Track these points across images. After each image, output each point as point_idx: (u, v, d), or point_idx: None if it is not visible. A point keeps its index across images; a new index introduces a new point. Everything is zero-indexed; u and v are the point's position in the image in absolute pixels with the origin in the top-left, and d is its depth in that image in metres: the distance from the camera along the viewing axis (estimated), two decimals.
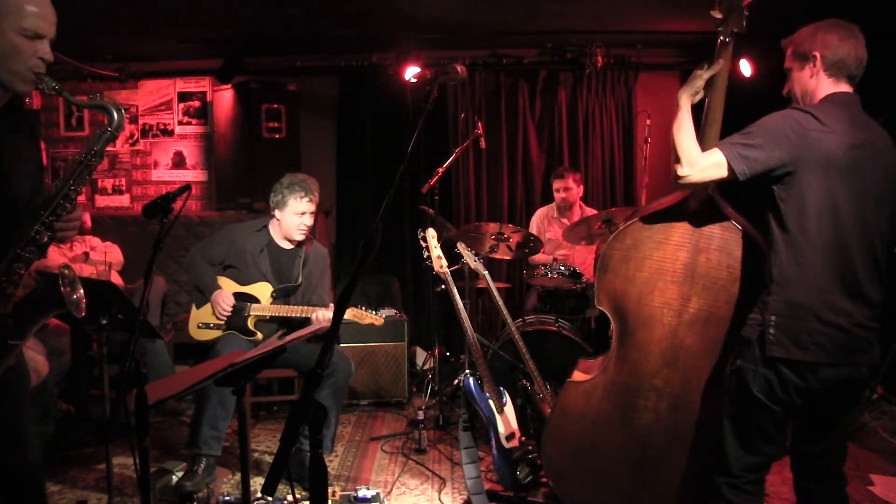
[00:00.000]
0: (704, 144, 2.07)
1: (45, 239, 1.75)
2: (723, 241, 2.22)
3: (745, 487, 2.02)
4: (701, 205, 2.24)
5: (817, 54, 2.00)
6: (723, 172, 1.96)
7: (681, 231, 2.26)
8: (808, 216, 1.91)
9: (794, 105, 2.03)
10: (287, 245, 3.50)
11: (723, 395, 2.14)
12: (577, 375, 2.56)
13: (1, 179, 1.77)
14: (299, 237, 3.44)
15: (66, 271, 1.78)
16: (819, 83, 2.02)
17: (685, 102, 2.12)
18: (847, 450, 2.09)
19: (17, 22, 1.68)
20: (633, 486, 2.39)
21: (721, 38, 2.15)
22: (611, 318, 2.40)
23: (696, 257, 2.24)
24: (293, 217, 3.38)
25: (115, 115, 1.81)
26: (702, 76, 2.13)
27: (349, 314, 3.30)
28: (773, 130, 1.93)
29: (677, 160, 2.02)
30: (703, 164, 1.98)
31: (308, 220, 3.41)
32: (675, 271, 2.26)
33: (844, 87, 2.01)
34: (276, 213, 3.42)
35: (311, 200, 3.38)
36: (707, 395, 2.27)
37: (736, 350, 2.11)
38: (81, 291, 1.85)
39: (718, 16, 2.15)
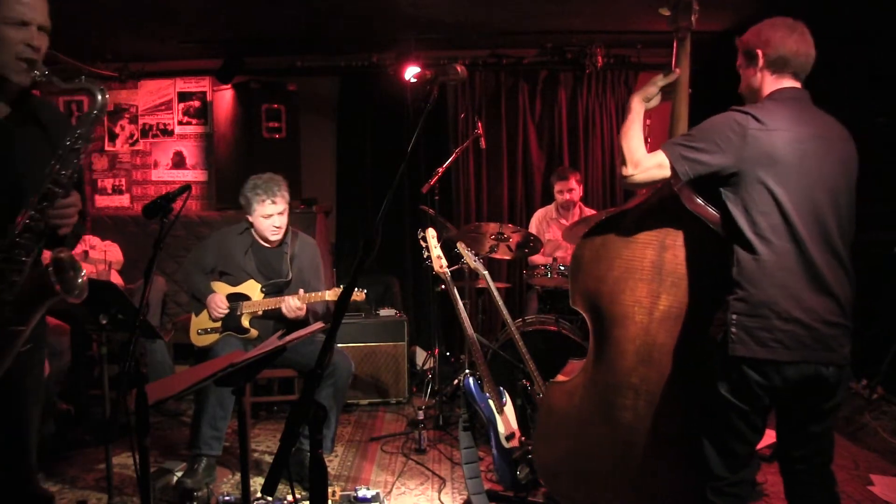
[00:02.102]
0: None
1: (42, 226, 1.74)
2: (688, 237, 2.21)
3: (728, 490, 2.01)
4: (666, 202, 2.23)
5: (759, 52, 2.03)
6: (666, 173, 1.99)
7: (647, 229, 2.27)
8: (757, 215, 1.91)
9: (734, 106, 2.03)
10: (269, 244, 3.50)
11: (696, 396, 2.12)
12: (561, 376, 2.57)
13: (6, 171, 1.78)
14: (273, 238, 3.44)
15: (63, 255, 1.76)
16: (763, 80, 2.05)
17: (637, 106, 2.18)
18: (833, 451, 2.06)
19: (2, 12, 1.71)
20: (623, 485, 2.37)
21: (675, 39, 2.18)
22: (586, 318, 2.42)
23: (662, 254, 2.24)
24: (261, 220, 3.38)
25: (99, 95, 1.82)
26: (657, 84, 2.19)
27: (330, 294, 3.30)
28: (714, 133, 1.95)
29: (623, 161, 2.07)
30: (646, 164, 2.02)
31: (277, 221, 3.39)
32: (644, 269, 2.26)
33: (789, 83, 2.02)
34: (248, 217, 3.43)
35: (274, 202, 3.34)
36: (683, 393, 2.25)
37: (705, 350, 2.10)
38: (84, 274, 1.82)
39: (666, 13, 2.18)
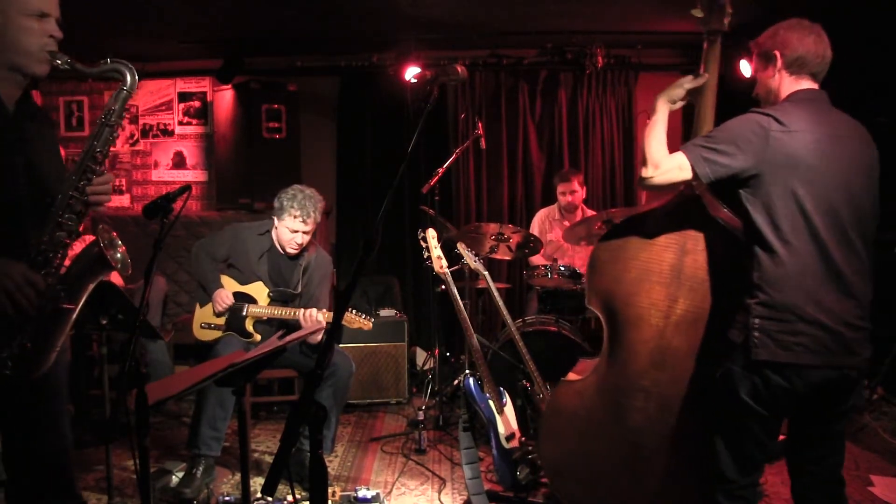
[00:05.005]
0: None
1: (81, 207, 1.81)
2: (709, 242, 2.20)
3: (739, 493, 2.00)
4: (688, 206, 2.22)
5: (777, 53, 2.01)
6: (686, 175, 1.98)
7: (667, 232, 2.25)
8: (778, 217, 1.90)
9: (754, 108, 2.02)
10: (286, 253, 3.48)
11: (711, 399, 2.11)
12: (572, 375, 2.56)
13: (30, 166, 1.83)
14: (290, 251, 3.41)
15: (102, 228, 1.82)
16: (781, 82, 2.03)
17: (662, 107, 2.17)
18: (844, 455, 2.06)
19: (22, 4, 1.76)
20: (628, 486, 2.37)
21: (706, 41, 2.17)
22: (601, 319, 2.40)
23: (682, 258, 2.22)
24: (286, 231, 3.35)
25: (129, 74, 1.88)
26: (684, 86, 2.18)
27: (324, 316, 3.25)
28: (736, 135, 1.94)
29: (644, 162, 2.06)
30: (666, 166, 2.00)
31: (300, 239, 3.36)
32: (662, 272, 2.25)
33: (807, 84, 2.02)
34: (275, 219, 3.41)
35: (305, 222, 3.31)
36: (695, 398, 2.24)
37: (724, 353, 2.09)
38: (122, 247, 1.95)
39: (699, 14, 2.17)
